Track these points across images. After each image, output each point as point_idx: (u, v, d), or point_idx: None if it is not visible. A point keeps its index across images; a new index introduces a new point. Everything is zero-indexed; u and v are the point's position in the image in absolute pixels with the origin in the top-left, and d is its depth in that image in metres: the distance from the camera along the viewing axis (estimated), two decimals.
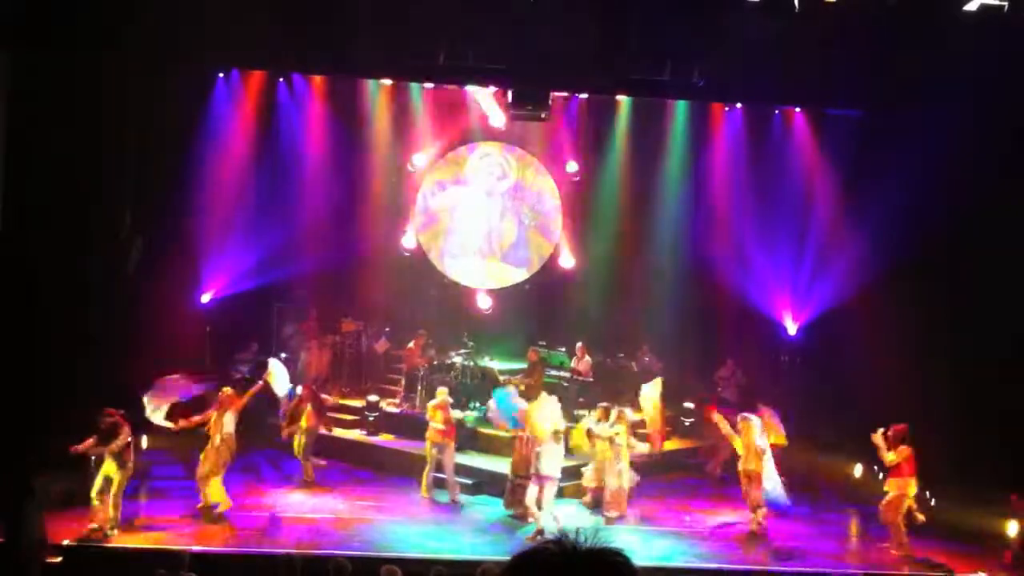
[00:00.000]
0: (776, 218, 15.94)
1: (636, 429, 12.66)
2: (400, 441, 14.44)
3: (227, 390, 11.58)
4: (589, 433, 12.18)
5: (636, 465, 12.32)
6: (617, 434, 11.94)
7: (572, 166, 17.85)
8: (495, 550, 10.43)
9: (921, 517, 11.01)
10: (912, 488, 10.90)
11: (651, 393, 12.90)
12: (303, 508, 11.95)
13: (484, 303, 18.03)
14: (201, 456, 11.15)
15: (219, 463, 11.10)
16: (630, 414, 12.53)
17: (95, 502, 10.25)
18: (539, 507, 11.19)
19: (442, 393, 12.66)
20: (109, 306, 12.66)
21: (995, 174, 12.13)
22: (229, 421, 11.18)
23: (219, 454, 11.10)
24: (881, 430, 10.98)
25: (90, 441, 10.28)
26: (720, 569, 10.68)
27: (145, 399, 11.10)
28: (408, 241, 17.84)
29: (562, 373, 15.57)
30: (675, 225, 16.96)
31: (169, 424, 11.26)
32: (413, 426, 14.27)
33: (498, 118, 16.70)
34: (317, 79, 15.89)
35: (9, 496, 9.16)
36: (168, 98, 13.15)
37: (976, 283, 12.32)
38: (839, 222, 14.80)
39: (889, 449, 10.86)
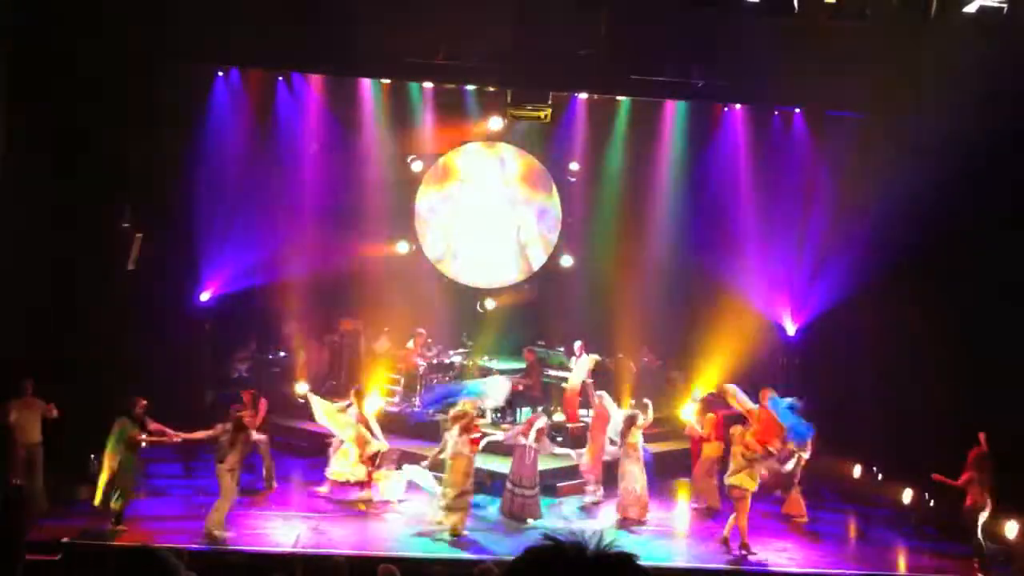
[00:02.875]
0: (775, 219, 15.89)
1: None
2: (397, 440, 14.40)
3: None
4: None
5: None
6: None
7: (572, 166, 17.83)
8: (494, 550, 10.42)
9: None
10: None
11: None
12: (301, 507, 11.95)
13: (483, 303, 18.01)
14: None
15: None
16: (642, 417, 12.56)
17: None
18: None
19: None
20: (108, 303, 12.61)
21: (995, 174, 12.10)
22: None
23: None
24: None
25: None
26: (719, 569, 10.69)
27: None
28: (407, 241, 17.81)
29: (561, 373, 15.54)
30: (674, 225, 16.92)
31: None
32: (410, 425, 14.23)
33: (497, 119, 16.67)
34: (316, 78, 15.85)
35: None
36: (167, 96, 13.11)
37: (975, 284, 12.29)
38: (838, 223, 14.76)
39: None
